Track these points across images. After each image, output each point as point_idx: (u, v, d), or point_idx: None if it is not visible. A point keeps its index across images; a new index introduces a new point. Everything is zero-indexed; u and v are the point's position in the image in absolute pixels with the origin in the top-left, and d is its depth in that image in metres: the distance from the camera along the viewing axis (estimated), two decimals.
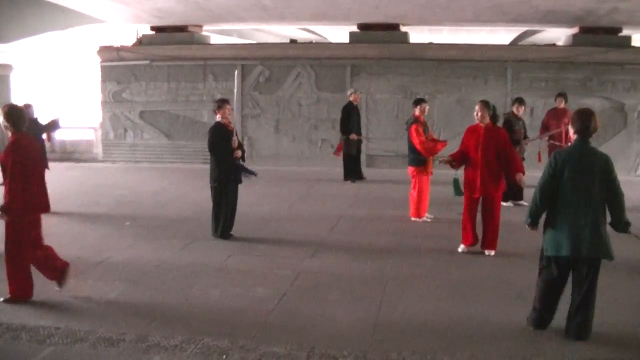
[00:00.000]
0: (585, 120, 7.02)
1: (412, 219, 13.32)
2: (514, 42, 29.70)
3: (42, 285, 8.82)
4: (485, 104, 10.56)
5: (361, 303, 8.37)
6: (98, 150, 24.02)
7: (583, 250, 6.83)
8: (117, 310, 8.00)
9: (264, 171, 19.98)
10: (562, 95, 16.38)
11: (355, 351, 5.60)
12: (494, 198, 10.59)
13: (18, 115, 8.82)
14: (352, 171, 18.52)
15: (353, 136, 17.76)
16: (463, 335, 7.16)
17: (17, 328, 5.92)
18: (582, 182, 6.88)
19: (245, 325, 7.42)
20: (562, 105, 16.14)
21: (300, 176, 19.59)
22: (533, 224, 7.37)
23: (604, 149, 19.43)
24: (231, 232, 11.97)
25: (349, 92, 18.74)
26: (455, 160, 10.90)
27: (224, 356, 5.49)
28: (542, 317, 7.25)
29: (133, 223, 13.34)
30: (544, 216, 7.29)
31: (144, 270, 9.88)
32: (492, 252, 10.61)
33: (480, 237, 10.76)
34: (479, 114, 10.49)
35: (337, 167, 19.17)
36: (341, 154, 18.32)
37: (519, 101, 14.97)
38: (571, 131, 7.13)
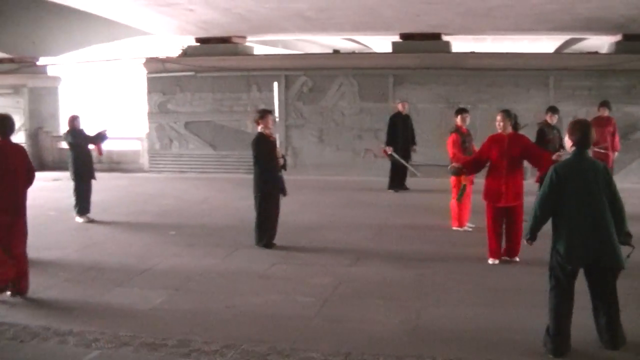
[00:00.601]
0: (585, 131, 6.97)
1: (454, 228, 13.36)
2: (558, 50, 29.62)
3: (86, 292, 9.09)
4: (506, 114, 10.65)
5: (400, 309, 8.50)
6: (144, 160, 24.31)
7: (595, 260, 6.75)
8: (161, 317, 8.22)
9: (308, 180, 20.29)
10: (605, 103, 16.33)
11: (390, 356, 5.73)
12: (518, 206, 10.65)
13: (4, 124, 9.21)
14: (397, 181, 18.61)
15: (385, 149, 17.69)
16: (499, 342, 7.21)
17: (65, 333, 6.14)
18: (586, 193, 6.81)
19: (285, 331, 7.59)
20: (606, 114, 16.10)
21: (343, 185, 19.70)
22: (532, 238, 7.30)
23: None
24: (274, 242, 12.12)
25: (396, 102, 18.92)
26: (466, 168, 11.10)
27: None
28: (560, 342, 6.84)
29: (178, 232, 13.57)
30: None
31: (187, 277, 10.09)
32: (517, 259, 10.71)
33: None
34: (501, 123, 10.56)
35: (380, 176, 19.29)
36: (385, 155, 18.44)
37: (552, 110, 14.89)
38: (569, 143, 7.13)
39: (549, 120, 14.65)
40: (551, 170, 7.04)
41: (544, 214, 7.08)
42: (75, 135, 15.01)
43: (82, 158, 14.93)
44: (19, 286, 8.98)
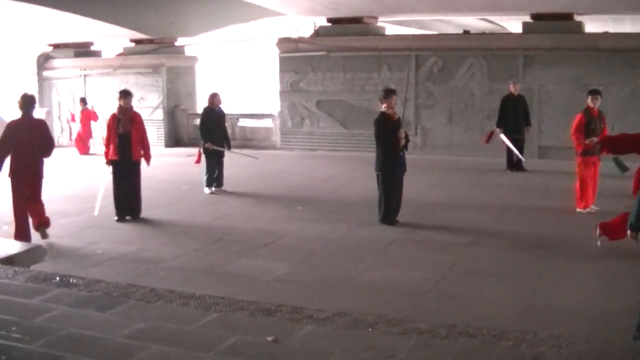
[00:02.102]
0: None
1: (577, 210, 13.28)
2: None
3: (212, 261, 9.57)
4: None
5: (514, 289, 8.62)
6: (276, 137, 24.79)
7: None
8: (281, 287, 8.63)
9: (436, 160, 20.40)
10: None
11: (494, 330, 5.88)
12: None
13: (26, 101, 11.02)
14: (510, 161, 18.66)
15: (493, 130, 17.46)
16: (608, 322, 7.28)
17: (187, 296, 6.50)
18: None
19: (399, 304, 7.86)
20: None
21: (472, 166, 19.67)
22: (634, 229, 6.70)
23: None
24: (397, 218, 12.33)
25: (509, 83, 18.85)
26: (603, 144, 10.64)
27: (370, 329, 5.89)
28: None
29: (304, 207, 13.95)
30: None
31: (310, 251, 10.48)
32: None
33: None
34: None
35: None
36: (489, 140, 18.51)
37: None
38: None
39: None
40: None
41: None
42: (210, 112, 15.74)
43: (214, 133, 15.70)
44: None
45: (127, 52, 27.11)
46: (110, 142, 12.48)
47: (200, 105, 27.73)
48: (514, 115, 18.46)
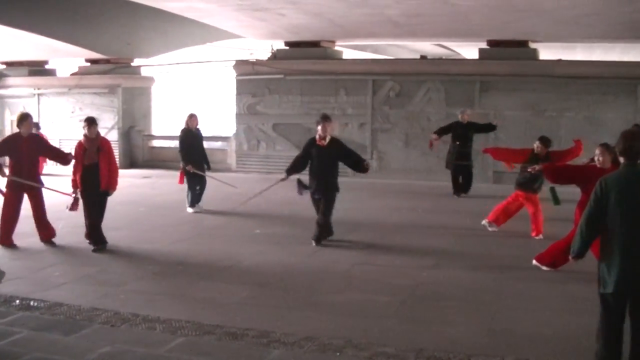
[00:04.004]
0: (628, 141, 6.48)
1: (534, 236, 13.40)
2: None
3: (173, 284, 9.50)
4: (607, 147, 9.68)
5: (476, 312, 8.67)
6: (232, 160, 24.72)
7: (630, 284, 6.27)
8: (244, 310, 8.56)
9: (393, 184, 20.48)
10: None
11: (461, 354, 5.92)
12: None
13: (19, 120, 12.21)
14: (456, 186, 18.92)
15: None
16: (570, 347, 7.33)
17: (152, 319, 6.49)
18: (630, 209, 6.28)
19: (363, 328, 7.84)
20: None
21: (428, 190, 19.73)
22: (577, 256, 6.79)
23: None
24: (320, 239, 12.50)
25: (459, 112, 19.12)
26: (546, 172, 10.89)
27: (338, 353, 5.89)
28: None
29: (263, 230, 13.92)
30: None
31: (271, 274, 10.43)
32: None
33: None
34: (601, 158, 9.68)
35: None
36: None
37: None
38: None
39: None
40: (597, 182, 6.58)
41: (589, 230, 6.59)
42: (188, 134, 15.87)
43: (193, 154, 16.03)
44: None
45: (82, 72, 26.91)
46: (77, 171, 12.07)
47: (156, 126, 27.63)
48: (463, 141, 18.63)
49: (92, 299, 8.56)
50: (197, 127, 16.28)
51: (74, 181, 12.12)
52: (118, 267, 10.88)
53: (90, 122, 12.28)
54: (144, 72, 27.93)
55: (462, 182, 18.85)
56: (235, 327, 6.61)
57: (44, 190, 12.52)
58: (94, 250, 11.86)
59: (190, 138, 15.97)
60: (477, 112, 20.85)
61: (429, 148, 19.32)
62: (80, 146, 12.13)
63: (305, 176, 12.83)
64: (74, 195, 12.11)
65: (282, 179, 13.11)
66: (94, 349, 5.32)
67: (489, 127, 18.76)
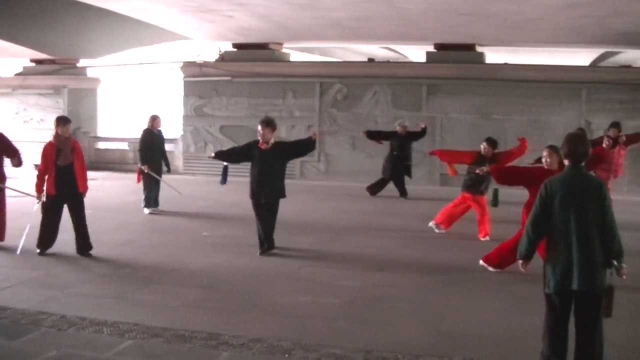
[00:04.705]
0: (572, 143, 6.62)
1: (480, 238, 13.53)
2: (594, 64, 29.64)
3: (120, 287, 9.44)
4: (554, 149, 9.91)
5: (423, 313, 8.73)
6: (179, 162, 24.59)
7: (574, 285, 6.39)
8: (192, 313, 8.52)
9: (340, 187, 20.53)
10: (615, 124, 16.34)
11: (409, 355, 5.96)
12: None
13: None
14: (403, 190, 19.16)
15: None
16: (516, 347, 7.44)
17: (100, 323, 6.44)
18: (574, 211, 6.42)
19: (311, 330, 7.86)
20: (616, 135, 16.02)
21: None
22: (524, 257, 6.89)
23: None
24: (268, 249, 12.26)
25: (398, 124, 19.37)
26: (493, 173, 10.93)
27: (287, 355, 5.90)
28: None
29: (211, 233, 13.87)
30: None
31: (219, 277, 10.38)
32: None
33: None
34: (548, 159, 9.95)
35: (413, 184, 19.50)
36: None
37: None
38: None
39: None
40: (542, 184, 6.74)
41: (535, 231, 6.75)
42: (150, 135, 15.85)
43: (154, 156, 16.10)
44: None
45: (27, 72, 26.58)
46: (47, 174, 11.43)
47: (102, 128, 27.38)
48: (400, 151, 18.86)
49: (37, 303, 8.45)
50: (160, 128, 16.25)
51: (39, 185, 11.53)
52: (64, 270, 10.73)
53: (65, 121, 11.80)
54: (90, 73, 27.65)
55: (398, 186, 19.05)
56: (183, 330, 6.58)
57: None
58: (39, 254, 11.52)
59: (151, 139, 15.94)
60: (424, 115, 21.05)
61: (378, 143, 19.54)
62: (51, 147, 11.53)
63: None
64: (38, 200, 11.57)
65: (210, 157, 13.07)
66: (40, 353, 5.26)
67: (422, 133, 18.90)
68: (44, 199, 11.48)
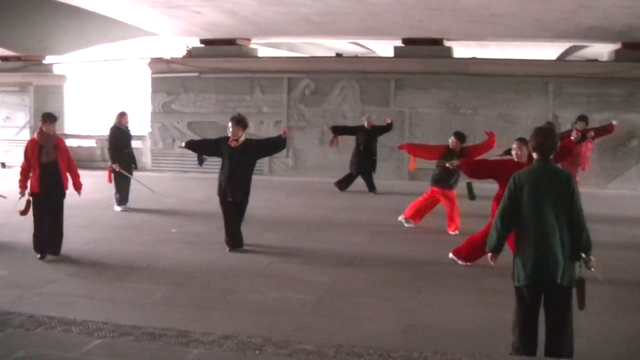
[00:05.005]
0: (540, 137, 6.68)
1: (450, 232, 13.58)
2: (561, 58, 29.81)
3: (89, 286, 9.39)
4: (523, 141, 10.03)
5: (394, 308, 8.78)
6: (147, 159, 24.47)
7: (544, 276, 6.46)
8: (161, 310, 8.50)
9: (309, 182, 20.53)
10: (582, 118, 16.48)
11: (380, 350, 5.96)
12: None
13: None
14: (371, 184, 19.22)
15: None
16: (488, 340, 7.47)
17: (69, 322, 6.37)
18: (542, 203, 6.51)
19: (281, 326, 7.87)
20: (583, 128, 16.18)
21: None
22: (493, 250, 6.95)
23: None
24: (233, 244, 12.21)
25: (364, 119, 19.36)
26: (463, 167, 10.86)
27: (257, 352, 5.88)
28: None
29: (179, 229, 13.82)
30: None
31: (188, 273, 10.35)
32: None
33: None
34: (518, 152, 10.09)
35: (381, 179, 19.54)
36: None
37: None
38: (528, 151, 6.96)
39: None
40: (511, 177, 6.80)
41: (504, 224, 6.81)
42: (118, 132, 15.74)
43: (123, 153, 16.05)
44: None
45: None
46: (30, 171, 11.17)
47: (69, 125, 27.16)
48: (366, 145, 18.94)
49: (4, 303, 8.36)
50: (127, 125, 16.11)
51: (22, 182, 11.25)
52: (32, 269, 10.62)
53: (51, 118, 11.46)
54: (57, 70, 27.42)
55: (366, 181, 19.08)
56: (153, 328, 6.53)
57: None
58: (40, 258, 11.18)
59: (120, 136, 15.84)
60: (393, 110, 21.11)
61: (330, 145, 19.51)
62: (34, 144, 11.25)
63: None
64: (22, 197, 11.26)
65: (180, 146, 12.96)
66: (8, 354, 5.19)
67: (388, 128, 18.91)
68: (27, 196, 11.23)
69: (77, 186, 11.68)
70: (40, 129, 11.36)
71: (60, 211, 11.49)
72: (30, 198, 11.21)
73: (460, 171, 11.78)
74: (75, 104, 29.64)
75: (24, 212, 11.24)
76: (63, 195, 11.43)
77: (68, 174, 11.52)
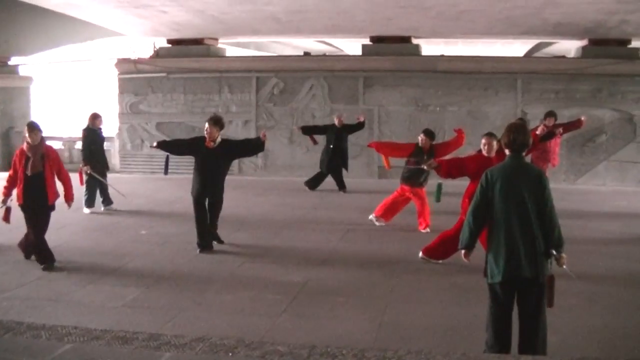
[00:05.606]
0: (512, 133, 6.67)
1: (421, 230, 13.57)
2: (529, 54, 29.96)
3: (58, 289, 9.27)
4: (492, 136, 10.32)
5: (366, 307, 8.74)
6: (115, 160, 24.28)
7: (518, 273, 6.45)
8: (132, 313, 8.41)
9: (278, 181, 20.48)
10: (551, 114, 16.57)
11: (354, 350, 5.92)
12: None
13: None
14: (340, 182, 19.16)
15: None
16: (461, 338, 7.49)
17: (38, 327, 6.27)
18: (514, 200, 6.50)
19: (254, 327, 7.82)
20: (552, 124, 16.25)
21: None
22: (466, 247, 6.98)
23: (614, 159, 19.88)
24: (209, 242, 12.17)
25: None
26: (442, 167, 10.63)
27: (230, 354, 5.82)
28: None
29: (149, 231, 13.70)
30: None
31: (158, 275, 10.26)
32: None
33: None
34: (487, 147, 10.28)
35: (351, 178, 19.49)
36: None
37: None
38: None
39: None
40: (483, 174, 6.80)
41: (476, 221, 6.82)
42: (91, 134, 15.55)
43: (97, 155, 15.76)
44: None
45: None
46: (16, 182, 10.85)
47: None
48: (337, 143, 18.78)
49: None
50: (100, 127, 15.93)
51: (7, 189, 10.98)
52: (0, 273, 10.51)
53: (33, 127, 11.06)
54: (22, 71, 27.13)
55: (336, 179, 19.02)
56: (124, 331, 6.45)
57: None
58: (44, 269, 10.67)
59: (93, 138, 15.65)
60: (362, 108, 21.09)
61: (315, 144, 19.38)
62: (21, 154, 10.92)
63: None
64: (2, 205, 10.94)
65: (152, 146, 12.65)
66: None
67: (359, 126, 18.83)
68: (9, 204, 10.96)
69: (68, 197, 11.27)
70: (26, 139, 11.00)
71: (43, 224, 11.00)
72: (11, 206, 10.97)
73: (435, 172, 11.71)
74: (42, 106, 29.36)
75: (4, 219, 11.07)
76: (47, 207, 10.97)
77: (59, 184, 11.08)
